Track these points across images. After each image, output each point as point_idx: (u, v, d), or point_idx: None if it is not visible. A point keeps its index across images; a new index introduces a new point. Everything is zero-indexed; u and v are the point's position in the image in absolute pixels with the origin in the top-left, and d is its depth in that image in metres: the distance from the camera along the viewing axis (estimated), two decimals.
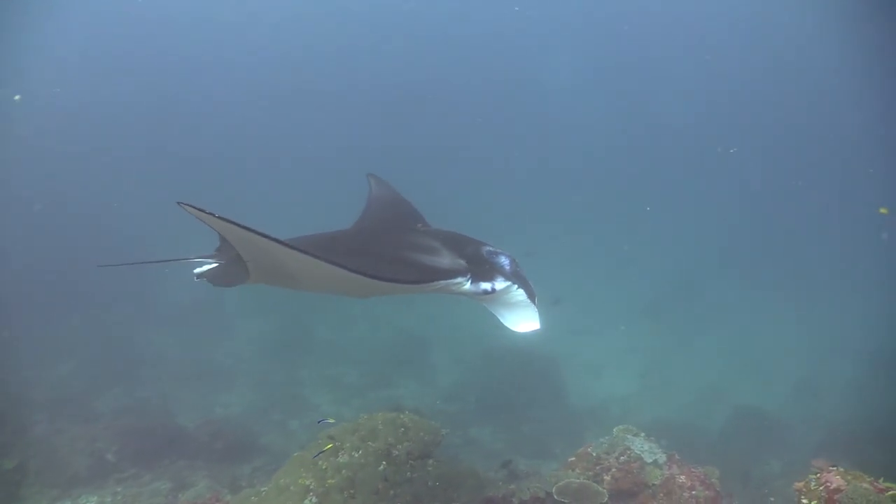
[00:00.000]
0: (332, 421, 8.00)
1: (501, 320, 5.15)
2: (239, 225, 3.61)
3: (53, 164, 36.41)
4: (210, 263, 5.53)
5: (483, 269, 4.90)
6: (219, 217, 3.54)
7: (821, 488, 4.98)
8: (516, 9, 42.83)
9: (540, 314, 4.99)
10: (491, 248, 5.09)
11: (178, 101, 47.02)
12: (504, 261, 5.02)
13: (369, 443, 7.42)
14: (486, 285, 4.83)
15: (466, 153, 46.80)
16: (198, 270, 5.49)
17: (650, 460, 7.79)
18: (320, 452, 7.27)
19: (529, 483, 7.67)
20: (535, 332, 5.03)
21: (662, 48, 44.79)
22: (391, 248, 5.08)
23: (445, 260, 4.91)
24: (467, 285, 4.83)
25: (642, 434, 8.30)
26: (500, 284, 4.83)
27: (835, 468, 5.12)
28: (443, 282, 4.75)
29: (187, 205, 3.40)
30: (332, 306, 21.60)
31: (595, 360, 19.13)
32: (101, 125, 43.53)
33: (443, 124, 47.74)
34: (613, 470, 7.76)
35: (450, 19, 44.95)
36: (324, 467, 7.12)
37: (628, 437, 8.21)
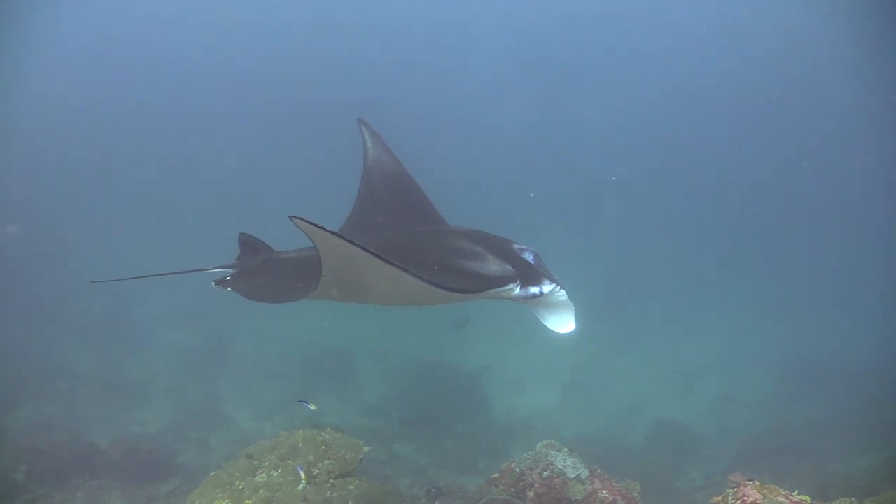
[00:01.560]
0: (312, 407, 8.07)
1: (542, 321, 5.20)
2: (351, 242, 3.61)
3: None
4: (228, 272, 5.56)
5: (528, 272, 4.98)
6: (330, 232, 3.52)
7: (738, 503, 5.05)
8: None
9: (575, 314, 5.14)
10: (519, 246, 5.22)
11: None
12: (535, 259, 5.16)
13: (289, 461, 7.23)
14: (534, 289, 4.91)
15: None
16: (217, 279, 5.49)
17: (573, 475, 7.79)
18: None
19: (453, 500, 7.59)
20: (572, 333, 5.11)
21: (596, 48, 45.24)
22: (447, 256, 5.11)
23: (494, 266, 4.96)
24: (517, 290, 4.89)
25: (565, 449, 8.29)
26: (547, 287, 4.92)
27: (751, 482, 5.20)
28: (497, 289, 4.82)
29: (299, 218, 3.37)
30: (253, 318, 21.20)
31: (520, 374, 19.22)
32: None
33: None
34: (536, 486, 7.73)
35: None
36: (241, 487, 6.90)
37: (551, 452, 8.19)
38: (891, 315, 24.41)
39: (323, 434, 7.78)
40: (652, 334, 23.83)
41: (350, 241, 3.59)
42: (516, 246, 5.21)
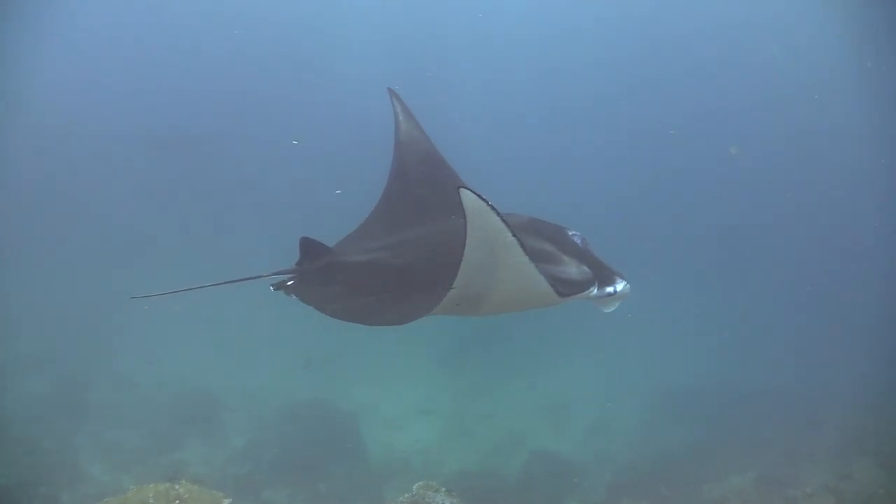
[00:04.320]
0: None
1: (594, 304, 5.14)
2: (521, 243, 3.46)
3: None
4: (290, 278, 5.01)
5: (600, 271, 4.88)
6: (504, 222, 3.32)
7: None
8: None
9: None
10: (572, 233, 5.07)
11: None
12: (583, 243, 5.02)
13: None
14: (609, 289, 4.87)
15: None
16: (275, 283, 4.97)
17: None
18: None
19: None
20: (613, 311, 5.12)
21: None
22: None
23: (573, 269, 4.80)
24: (595, 292, 4.79)
25: (443, 489, 8.00)
26: (620, 286, 4.91)
27: None
28: (579, 294, 4.73)
29: (469, 190, 3.12)
30: (115, 361, 20.04)
31: (394, 412, 18.90)
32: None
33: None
34: None
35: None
36: None
37: (429, 493, 7.88)
38: (764, 339, 25.66)
39: (177, 487, 7.13)
40: (530, 363, 23.90)
41: (518, 240, 3.39)
42: (571, 233, 5.06)
